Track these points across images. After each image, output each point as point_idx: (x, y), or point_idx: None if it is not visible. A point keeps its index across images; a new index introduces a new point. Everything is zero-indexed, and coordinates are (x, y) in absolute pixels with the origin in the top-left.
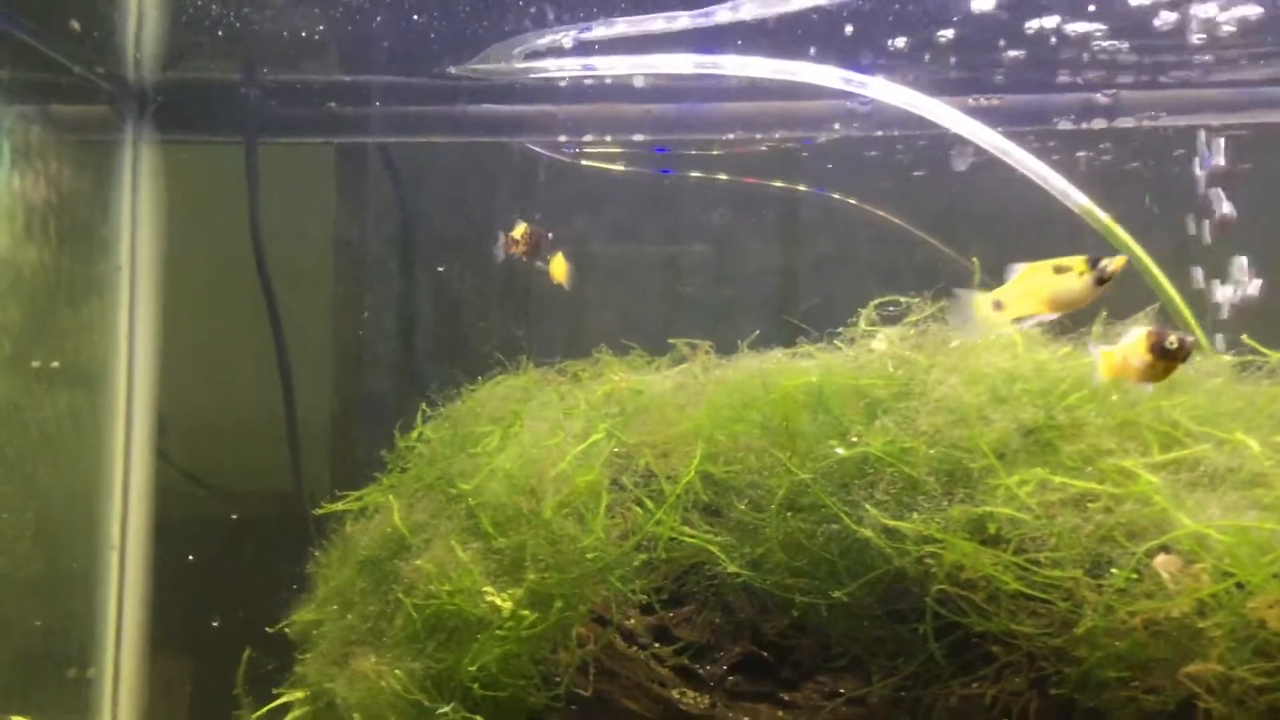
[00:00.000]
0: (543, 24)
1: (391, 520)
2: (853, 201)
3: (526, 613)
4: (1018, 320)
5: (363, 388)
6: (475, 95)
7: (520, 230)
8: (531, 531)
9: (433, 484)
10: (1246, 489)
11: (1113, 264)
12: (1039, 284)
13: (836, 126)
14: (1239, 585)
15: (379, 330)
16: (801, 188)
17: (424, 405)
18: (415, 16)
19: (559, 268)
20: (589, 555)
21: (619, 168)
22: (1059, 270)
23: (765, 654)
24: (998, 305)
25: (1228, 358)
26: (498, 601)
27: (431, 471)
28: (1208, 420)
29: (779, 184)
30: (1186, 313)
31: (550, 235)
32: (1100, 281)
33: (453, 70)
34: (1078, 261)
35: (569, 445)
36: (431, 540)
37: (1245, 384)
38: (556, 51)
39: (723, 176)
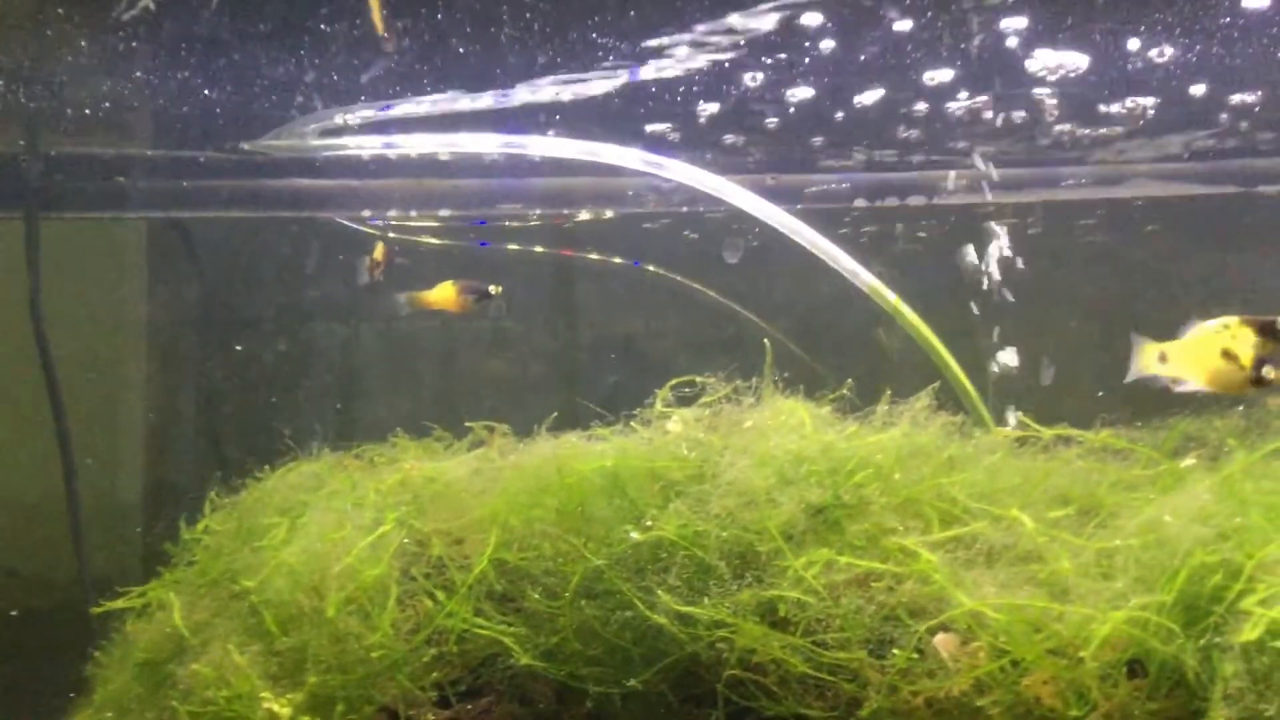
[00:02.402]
0: (309, 110)
1: (172, 619)
2: (667, 274)
3: (306, 718)
4: (1174, 381)
5: (164, 474)
6: (276, 170)
7: (380, 251)
8: (314, 630)
9: (217, 579)
10: (1022, 565)
11: (1273, 373)
12: (1204, 358)
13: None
14: (1014, 663)
15: (178, 413)
16: (617, 260)
17: (214, 494)
18: (207, 92)
19: (445, 294)
20: (375, 654)
21: (434, 240)
22: (1227, 355)
23: None
24: (1163, 358)
25: (1007, 433)
26: (275, 708)
27: (216, 566)
28: (986, 497)
29: (595, 256)
30: (970, 389)
31: (396, 249)
32: (1257, 383)
33: (245, 146)
34: (1247, 353)
35: (357, 537)
36: (211, 641)
37: (1022, 460)
38: (355, 129)
39: (539, 249)
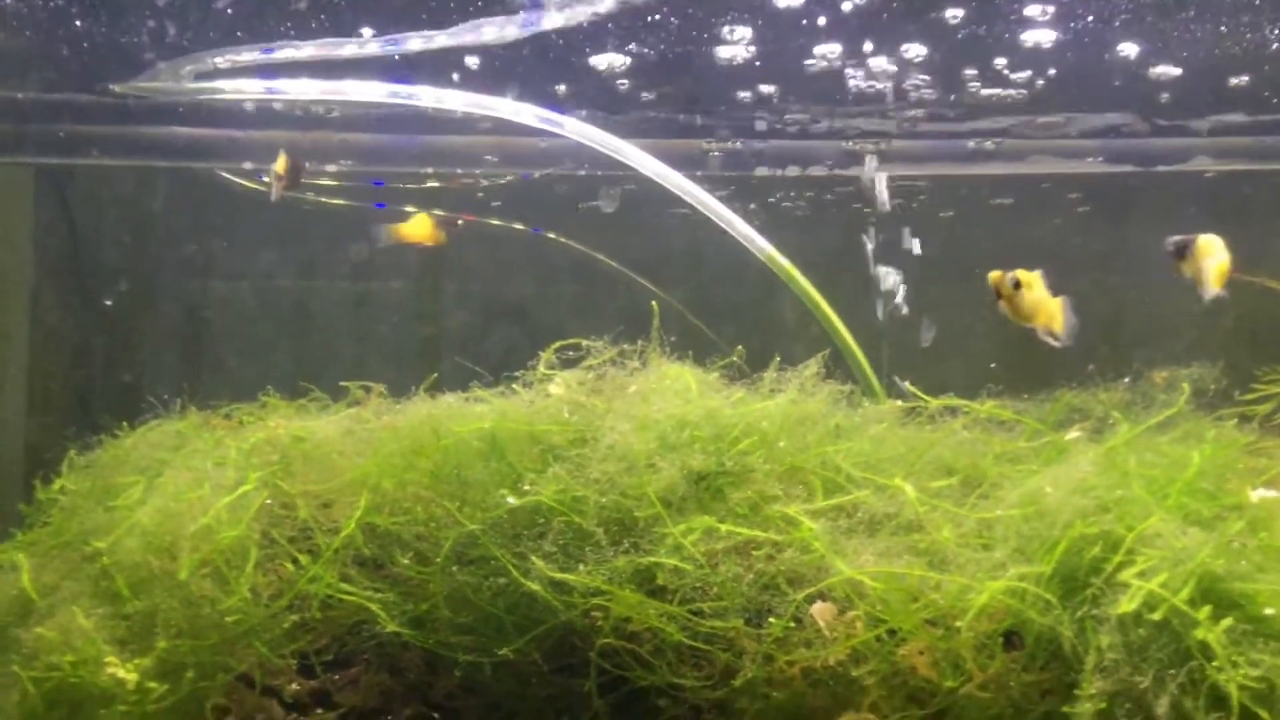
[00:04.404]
0: (161, 39)
1: (20, 581)
2: (566, 241)
3: (154, 684)
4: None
5: (36, 431)
6: (152, 116)
7: (283, 164)
8: (166, 594)
9: (70, 540)
10: (903, 534)
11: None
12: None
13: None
14: (891, 632)
15: (39, 367)
16: (518, 226)
17: (72, 452)
18: (78, 23)
19: (422, 227)
20: (230, 618)
21: (322, 199)
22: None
23: (435, 715)
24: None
25: (895, 404)
26: (120, 673)
27: (70, 527)
28: (870, 466)
29: (496, 222)
30: (861, 357)
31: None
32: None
33: (115, 88)
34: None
35: (216, 497)
36: (59, 604)
37: (908, 429)
38: (234, 72)
39: (439, 212)
